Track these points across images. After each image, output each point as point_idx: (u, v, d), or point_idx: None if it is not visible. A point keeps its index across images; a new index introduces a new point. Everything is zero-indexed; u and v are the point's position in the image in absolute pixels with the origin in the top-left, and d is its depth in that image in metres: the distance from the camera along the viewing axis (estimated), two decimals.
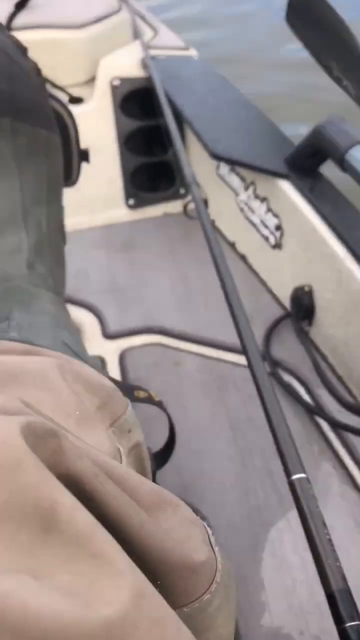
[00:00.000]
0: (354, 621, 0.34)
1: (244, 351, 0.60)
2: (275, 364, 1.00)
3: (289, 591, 0.70)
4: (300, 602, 0.69)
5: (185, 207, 0.90)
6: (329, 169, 1.06)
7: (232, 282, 0.68)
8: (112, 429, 0.36)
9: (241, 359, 1.02)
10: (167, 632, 0.18)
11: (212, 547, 0.27)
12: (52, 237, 0.67)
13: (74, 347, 0.49)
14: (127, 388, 0.60)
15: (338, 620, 0.35)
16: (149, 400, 0.58)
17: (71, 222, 1.38)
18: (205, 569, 0.25)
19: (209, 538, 0.28)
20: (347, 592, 0.36)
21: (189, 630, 0.19)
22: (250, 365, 0.59)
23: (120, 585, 0.18)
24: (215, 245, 0.74)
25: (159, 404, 0.58)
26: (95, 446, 0.29)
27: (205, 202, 0.81)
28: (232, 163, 1.20)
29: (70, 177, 0.90)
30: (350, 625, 0.34)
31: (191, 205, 0.88)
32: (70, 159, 0.88)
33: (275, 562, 0.73)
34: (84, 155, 0.90)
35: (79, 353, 0.49)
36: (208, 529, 0.28)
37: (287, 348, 1.03)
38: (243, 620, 0.68)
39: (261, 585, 0.71)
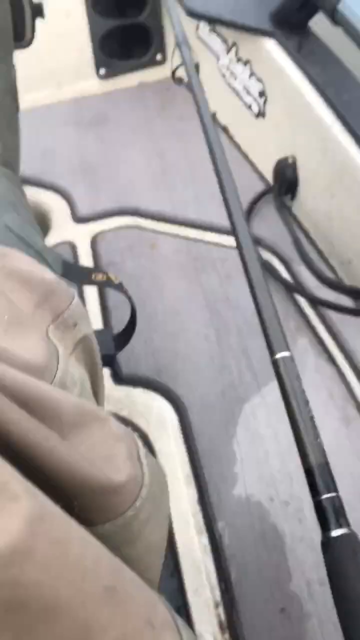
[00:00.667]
0: (330, 493, 0.35)
1: (231, 227, 0.57)
2: (255, 241, 0.95)
3: (261, 462, 0.71)
4: (272, 472, 0.70)
5: (173, 72, 0.84)
6: (319, 26, 0.95)
7: (222, 151, 0.63)
8: (55, 325, 0.33)
9: (220, 239, 0.98)
10: (69, 550, 0.17)
11: (140, 461, 0.26)
12: (1, 100, 0.60)
13: (21, 233, 0.43)
14: (83, 271, 0.55)
15: (315, 493, 0.36)
16: (108, 283, 0.53)
17: (35, 96, 1.27)
18: (126, 488, 0.24)
19: (137, 451, 0.26)
20: (326, 466, 0.37)
21: (106, 544, 0.19)
22: (237, 241, 0.56)
23: (13, 511, 0.16)
24: (205, 112, 0.68)
25: (119, 287, 0.54)
26: (25, 354, 0.27)
27: (196, 67, 0.75)
28: (212, 21, 1.07)
29: (23, 36, 0.80)
30: (326, 497, 0.35)
31: (179, 72, 0.81)
32: (22, 13, 0.77)
33: (248, 435, 0.73)
34: (38, 10, 0.79)
35: (27, 240, 0.44)
36: (138, 441, 0.27)
37: (268, 225, 0.97)
38: (215, 492, 0.69)
39: (234, 458, 0.72)
